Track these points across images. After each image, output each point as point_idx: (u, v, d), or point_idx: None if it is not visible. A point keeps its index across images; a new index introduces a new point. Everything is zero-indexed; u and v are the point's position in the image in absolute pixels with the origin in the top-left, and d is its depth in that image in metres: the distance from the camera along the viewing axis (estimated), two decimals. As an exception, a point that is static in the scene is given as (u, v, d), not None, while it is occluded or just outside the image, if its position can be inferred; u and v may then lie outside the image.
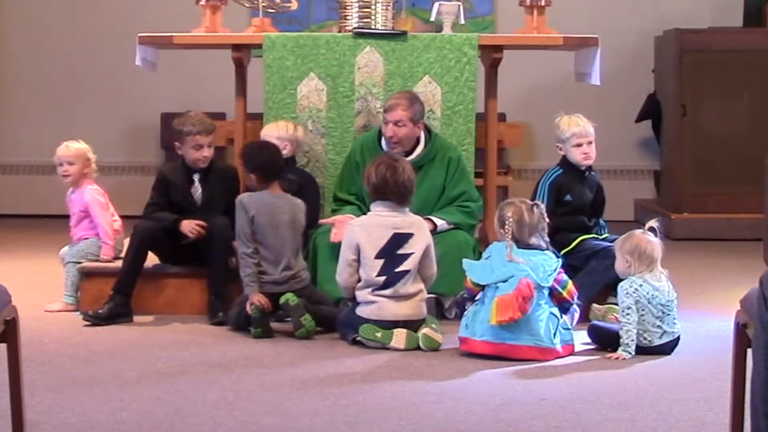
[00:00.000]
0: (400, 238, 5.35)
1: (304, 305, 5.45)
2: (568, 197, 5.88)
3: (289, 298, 5.43)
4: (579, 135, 5.88)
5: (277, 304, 5.49)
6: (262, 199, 5.60)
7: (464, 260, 5.30)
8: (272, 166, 5.69)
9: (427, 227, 5.52)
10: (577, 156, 5.90)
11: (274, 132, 5.99)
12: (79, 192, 6.23)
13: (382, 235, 5.35)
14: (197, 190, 6.00)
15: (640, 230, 5.27)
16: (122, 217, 6.41)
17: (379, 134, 5.98)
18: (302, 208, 5.70)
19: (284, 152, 5.94)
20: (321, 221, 5.99)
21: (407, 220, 5.42)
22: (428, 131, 6.04)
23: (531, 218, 5.23)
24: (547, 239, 5.28)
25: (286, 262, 5.58)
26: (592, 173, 6.05)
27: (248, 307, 5.46)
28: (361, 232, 5.37)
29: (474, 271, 5.20)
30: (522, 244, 5.19)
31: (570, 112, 6.05)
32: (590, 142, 5.92)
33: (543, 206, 5.30)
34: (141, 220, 5.99)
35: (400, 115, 5.84)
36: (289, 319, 5.74)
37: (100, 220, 6.12)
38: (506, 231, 5.19)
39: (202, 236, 5.82)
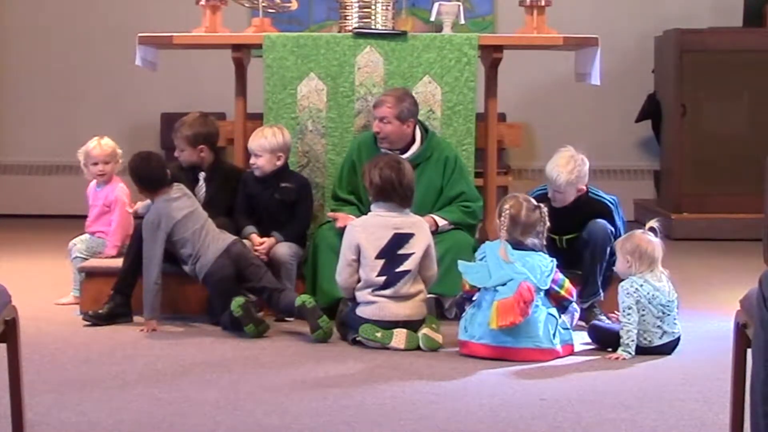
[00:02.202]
0: (400, 239, 5.35)
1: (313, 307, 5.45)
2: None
3: (305, 300, 5.41)
4: (549, 180, 5.61)
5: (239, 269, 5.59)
6: (165, 207, 5.67)
7: (460, 262, 5.28)
8: (154, 178, 5.74)
9: (427, 227, 5.52)
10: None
11: (265, 144, 5.91)
12: (108, 187, 6.25)
13: (383, 235, 5.35)
14: (201, 188, 6.01)
15: (641, 230, 5.27)
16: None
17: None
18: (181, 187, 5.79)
19: (278, 163, 5.93)
20: (329, 214, 5.99)
21: (408, 221, 5.42)
22: (425, 130, 6.04)
23: (528, 217, 5.20)
24: (544, 242, 5.25)
25: (212, 231, 5.68)
26: (597, 198, 5.74)
27: (150, 329, 5.56)
28: (361, 233, 5.37)
29: (470, 273, 5.19)
30: (513, 241, 5.17)
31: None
32: (556, 191, 5.60)
33: (546, 209, 5.28)
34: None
35: (385, 112, 5.85)
36: (291, 318, 5.75)
37: (119, 218, 6.17)
38: (501, 222, 5.18)
39: None
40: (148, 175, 5.74)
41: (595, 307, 5.67)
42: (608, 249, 5.56)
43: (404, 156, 5.86)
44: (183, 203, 5.70)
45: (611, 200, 5.76)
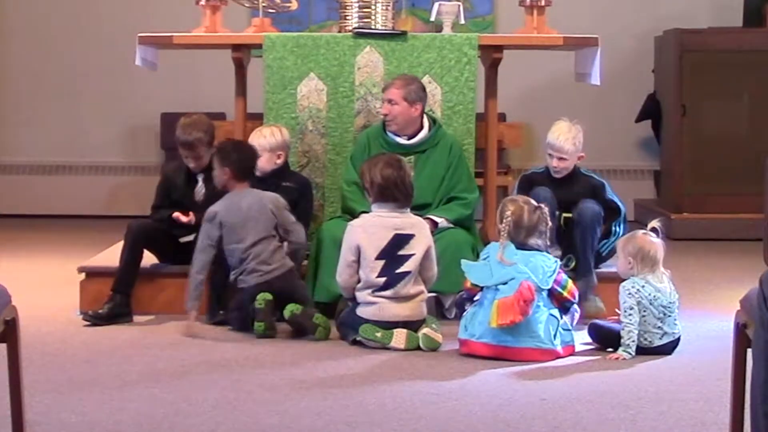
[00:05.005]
0: (401, 239, 5.34)
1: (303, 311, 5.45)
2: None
3: (293, 309, 5.40)
4: (551, 146, 5.87)
5: (274, 294, 5.47)
6: (228, 202, 5.62)
7: (463, 261, 5.29)
8: (249, 163, 5.71)
9: (427, 228, 5.52)
10: (548, 163, 5.91)
11: (264, 143, 5.91)
12: None
13: (383, 235, 5.34)
14: (201, 189, 6.01)
15: (642, 231, 5.26)
16: (123, 217, 6.41)
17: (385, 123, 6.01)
18: (270, 198, 5.67)
19: (278, 162, 5.93)
20: None
21: (408, 221, 5.41)
22: (433, 120, 6.06)
23: (530, 219, 5.21)
24: (548, 242, 5.27)
25: (265, 248, 5.58)
26: (588, 175, 5.98)
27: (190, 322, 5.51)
28: (361, 233, 5.36)
29: (473, 272, 5.19)
30: (518, 243, 5.18)
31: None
32: (561, 158, 5.84)
33: (547, 209, 5.29)
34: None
35: (393, 93, 5.88)
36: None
37: None
38: (503, 228, 5.19)
39: (195, 223, 5.84)
40: (236, 161, 5.66)
41: (590, 293, 5.70)
42: (598, 229, 5.77)
43: (412, 141, 5.94)
44: (244, 204, 5.59)
45: (600, 179, 6.05)
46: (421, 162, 5.83)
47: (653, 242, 5.20)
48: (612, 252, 5.81)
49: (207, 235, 5.58)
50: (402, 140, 5.96)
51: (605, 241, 5.85)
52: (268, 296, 5.43)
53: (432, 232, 5.60)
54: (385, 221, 5.37)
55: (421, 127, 6.00)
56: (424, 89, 5.97)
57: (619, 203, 5.93)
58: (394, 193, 5.38)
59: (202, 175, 6.01)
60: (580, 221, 5.73)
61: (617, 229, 5.84)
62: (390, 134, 5.98)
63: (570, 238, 5.76)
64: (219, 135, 6.68)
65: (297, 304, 5.45)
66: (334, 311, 5.63)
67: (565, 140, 5.82)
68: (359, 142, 6.11)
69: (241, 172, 5.68)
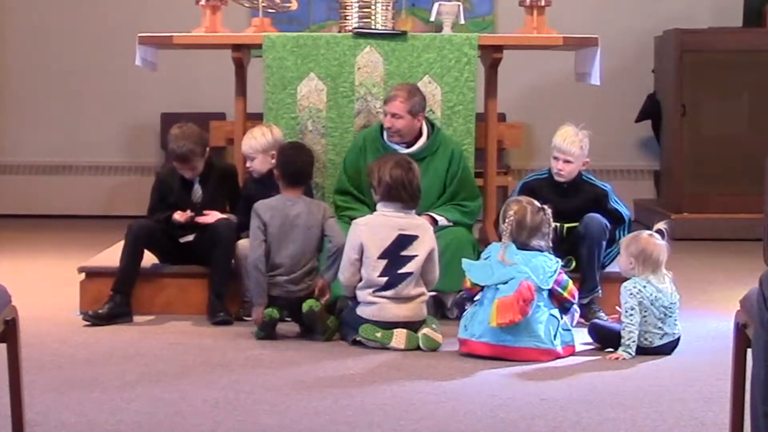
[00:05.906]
0: (404, 240, 5.34)
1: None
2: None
3: (312, 305, 5.38)
4: (557, 149, 5.81)
5: (292, 308, 5.46)
6: (277, 204, 5.57)
7: (464, 260, 5.29)
8: (292, 169, 5.61)
9: (432, 231, 5.50)
10: (552, 167, 5.87)
11: (255, 145, 5.88)
12: None
13: (387, 235, 5.34)
14: (198, 190, 6.00)
15: (647, 232, 5.25)
16: (123, 217, 6.41)
17: (382, 126, 5.99)
18: (320, 212, 5.57)
19: (274, 161, 5.86)
20: None
21: (413, 222, 5.41)
22: (431, 125, 6.05)
23: (533, 221, 5.21)
24: (550, 243, 5.26)
25: (301, 265, 5.54)
26: (592, 183, 5.92)
27: (256, 317, 5.45)
28: (365, 231, 5.36)
29: (473, 271, 5.20)
30: (520, 244, 5.18)
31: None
32: (567, 161, 5.80)
33: (550, 211, 5.28)
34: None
35: (398, 107, 5.86)
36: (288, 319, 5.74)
37: None
38: (505, 228, 5.19)
39: (193, 222, 5.84)
40: (281, 164, 5.60)
41: (594, 303, 5.70)
42: (604, 243, 5.72)
43: (411, 149, 5.92)
44: (292, 213, 5.51)
45: (604, 185, 5.98)
46: (421, 169, 5.77)
47: (657, 244, 5.19)
48: (614, 259, 5.77)
49: (256, 233, 5.49)
50: (401, 149, 5.94)
51: (609, 249, 5.80)
52: (276, 314, 5.40)
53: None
54: (389, 221, 5.37)
55: (420, 134, 5.99)
56: (424, 98, 5.96)
57: (624, 211, 5.87)
58: (401, 193, 5.38)
59: (197, 178, 5.99)
60: (586, 235, 5.68)
61: (621, 236, 5.77)
62: (388, 142, 5.96)
63: (575, 251, 5.70)
64: (219, 135, 6.69)
65: (316, 301, 5.43)
66: (334, 310, 5.63)
67: (571, 143, 5.80)
68: (355, 144, 6.10)
69: (286, 177, 5.60)
